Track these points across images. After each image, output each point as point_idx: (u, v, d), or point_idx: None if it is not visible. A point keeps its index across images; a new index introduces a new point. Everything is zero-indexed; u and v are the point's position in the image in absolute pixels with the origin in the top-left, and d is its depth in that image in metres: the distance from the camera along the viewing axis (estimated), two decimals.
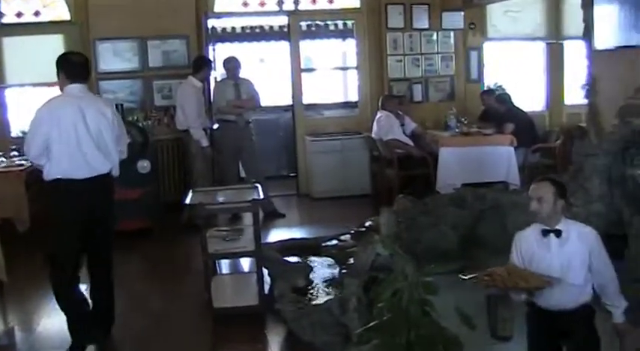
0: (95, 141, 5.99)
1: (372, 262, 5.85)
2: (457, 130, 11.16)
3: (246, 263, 8.26)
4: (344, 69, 14.88)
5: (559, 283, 4.60)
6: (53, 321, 6.72)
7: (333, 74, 14.91)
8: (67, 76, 6.16)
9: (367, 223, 7.76)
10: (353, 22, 12.67)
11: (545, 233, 4.67)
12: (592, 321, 4.68)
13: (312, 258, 7.39)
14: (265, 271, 6.80)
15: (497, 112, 11.29)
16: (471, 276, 4.80)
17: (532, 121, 11.51)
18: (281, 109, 14.02)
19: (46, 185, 6.02)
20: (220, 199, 7.25)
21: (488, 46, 12.68)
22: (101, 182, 6.08)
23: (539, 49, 13.12)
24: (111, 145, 6.12)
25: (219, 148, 10.59)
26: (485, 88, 12.23)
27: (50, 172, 5.93)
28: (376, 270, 5.78)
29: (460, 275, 4.87)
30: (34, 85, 11.13)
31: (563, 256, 4.63)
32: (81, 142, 5.92)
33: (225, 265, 8.28)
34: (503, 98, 11.45)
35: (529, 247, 4.75)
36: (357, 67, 12.49)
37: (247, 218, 9.43)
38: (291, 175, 13.02)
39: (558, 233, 4.64)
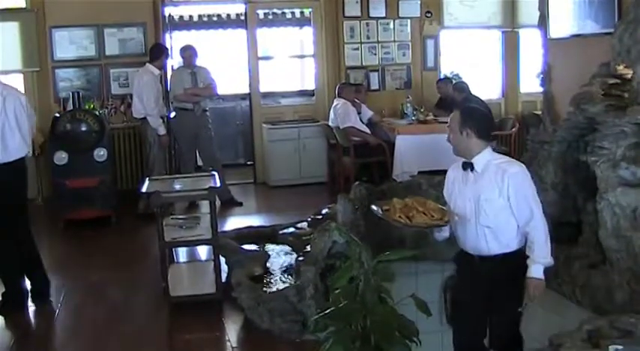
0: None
1: (328, 250, 5.86)
2: (413, 118, 11.22)
3: (203, 251, 8.24)
4: (301, 57, 14.81)
5: (448, 227, 4.56)
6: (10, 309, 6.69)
7: (290, 62, 14.86)
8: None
9: (324, 211, 7.78)
10: (310, 10, 12.65)
11: (464, 166, 4.56)
12: (515, 274, 4.45)
13: (269, 246, 7.40)
14: (222, 259, 6.79)
15: (453, 101, 11.34)
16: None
17: (489, 109, 11.55)
18: (238, 97, 14.00)
19: None
20: (177, 187, 7.23)
21: (444, 35, 12.74)
22: None
23: (495, 37, 13.20)
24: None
25: (176, 136, 10.58)
26: (442, 77, 12.30)
27: None
28: (333, 257, 5.81)
29: (372, 206, 4.87)
30: None
31: (476, 192, 4.47)
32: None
33: (182, 253, 8.26)
34: (461, 87, 11.51)
35: (454, 179, 4.66)
36: (314, 55, 12.51)
37: (204, 206, 9.42)
38: (248, 163, 13.00)
39: (472, 167, 4.50)
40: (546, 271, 4.44)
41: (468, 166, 4.52)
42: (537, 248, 4.37)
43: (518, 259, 4.44)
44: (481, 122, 4.64)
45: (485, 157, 4.52)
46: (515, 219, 4.41)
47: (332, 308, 3.58)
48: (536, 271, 4.36)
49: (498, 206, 4.40)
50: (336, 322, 3.53)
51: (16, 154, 6.46)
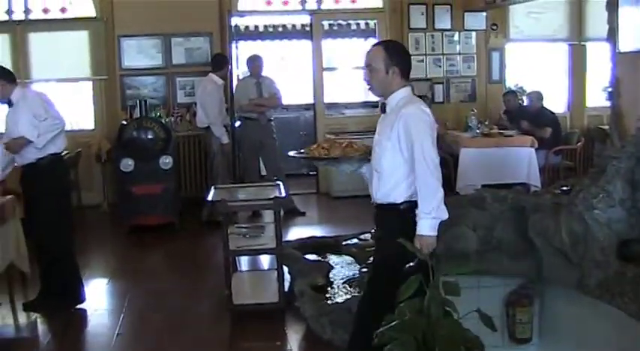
0: None
1: None
2: (478, 131, 11.13)
3: (265, 260, 8.27)
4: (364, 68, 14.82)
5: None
6: (75, 312, 6.84)
7: (353, 73, 14.89)
8: (9, 81, 6.72)
9: None
10: (375, 21, 12.67)
11: (382, 108, 4.42)
12: (396, 230, 4.17)
13: (331, 256, 7.40)
14: (285, 269, 6.81)
15: (521, 113, 11.26)
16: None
17: (558, 122, 11.44)
18: (301, 108, 14.07)
19: None
20: (242, 196, 7.28)
21: (510, 47, 12.66)
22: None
23: (562, 50, 13.07)
24: None
25: (240, 145, 10.63)
26: (509, 89, 12.20)
27: None
28: None
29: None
30: (60, 80, 11.23)
31: (376, 134, 4.37)
32: None
33: (244, 262, 8.30)
34: (538, 95, 11.36)
35: None
36: None
37: (267, 215, 9.49)
38: (311, 173, 13.04)
39: (384, 108, 4.37)
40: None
41: (383, 107, 4.40)
42: (420, 201, 4.14)
43: (403, 213, 4.26)
44: (407, 60, 4.42)
45: (398, 96, 4.31)
46: (404, 167, 4.22)
47: (397, 321, 3.57)
48: (422, 227, 4.13)
49: (384, 148, 4.26)
50: (400, 335, 3.53)
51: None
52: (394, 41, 4.89)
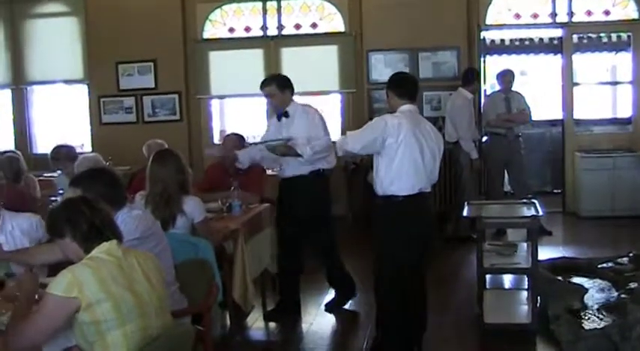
0: None
1: None
2: None
3: (507, 278, 8.09)
4: (613, 84, 14.33)
5: None
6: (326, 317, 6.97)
7: (599, 89, 14.40)
8: (292, 92, 6.98)
9: None
10: (629, 34, 12.13)
11: None
12: None
13: (581, 279, 7.15)
14: None
15: None
16: None
17: None
18: (547, 124, 13.70)
19: None
20: (493, 213, 7.14)
21: None
22: None
23: None
24: None
25: (487, 160, 10.50)
26: None
27: None
28: None
29: None
30: (309, 93, 11.48)
31: None
32: None
33: (487, 280, 8.17)
34: None
35: None
36: (632, 82, 11.92)
37: (511, 234, 9.32)
38: (555, 191, 12.71)
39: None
40: None
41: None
42: None
43: None
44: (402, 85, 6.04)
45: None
46: None
47: None
48: None
49: None
50: None
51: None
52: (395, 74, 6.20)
